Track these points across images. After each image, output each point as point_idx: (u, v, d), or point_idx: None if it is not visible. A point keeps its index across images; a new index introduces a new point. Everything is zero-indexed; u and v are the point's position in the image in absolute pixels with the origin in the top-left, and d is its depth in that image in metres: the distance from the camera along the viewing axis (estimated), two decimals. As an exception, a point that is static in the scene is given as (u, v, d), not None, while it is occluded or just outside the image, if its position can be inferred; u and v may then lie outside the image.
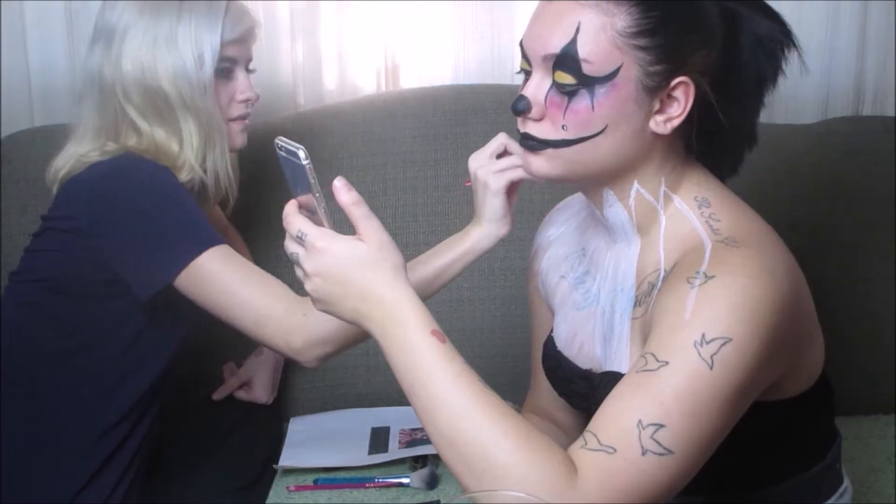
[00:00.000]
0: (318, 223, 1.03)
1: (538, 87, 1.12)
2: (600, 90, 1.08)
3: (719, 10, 1.12)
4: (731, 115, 1.12)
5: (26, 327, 1.54)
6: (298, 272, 1.04)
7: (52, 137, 1.66)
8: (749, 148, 1.20)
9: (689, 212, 1.14)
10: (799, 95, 2.11)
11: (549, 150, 1.12)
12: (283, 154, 1.03)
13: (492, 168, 1.30)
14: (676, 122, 1.11)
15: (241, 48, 1.58)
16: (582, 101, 1.09)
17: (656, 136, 1.12)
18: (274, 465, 1.69)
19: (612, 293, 1.19)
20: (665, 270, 1.12)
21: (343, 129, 1.95)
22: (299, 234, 1.02)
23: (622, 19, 1.07)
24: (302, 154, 0.99)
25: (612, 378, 1.05)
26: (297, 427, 1.83)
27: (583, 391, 1.23)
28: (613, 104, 1.09)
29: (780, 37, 1.15)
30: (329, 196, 1.01)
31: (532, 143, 1.13)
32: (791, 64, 1.16)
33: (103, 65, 1.52)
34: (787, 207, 1.84)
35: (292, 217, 1.03)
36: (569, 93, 1.09)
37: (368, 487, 1.63)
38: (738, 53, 1.13)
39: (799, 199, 1.90)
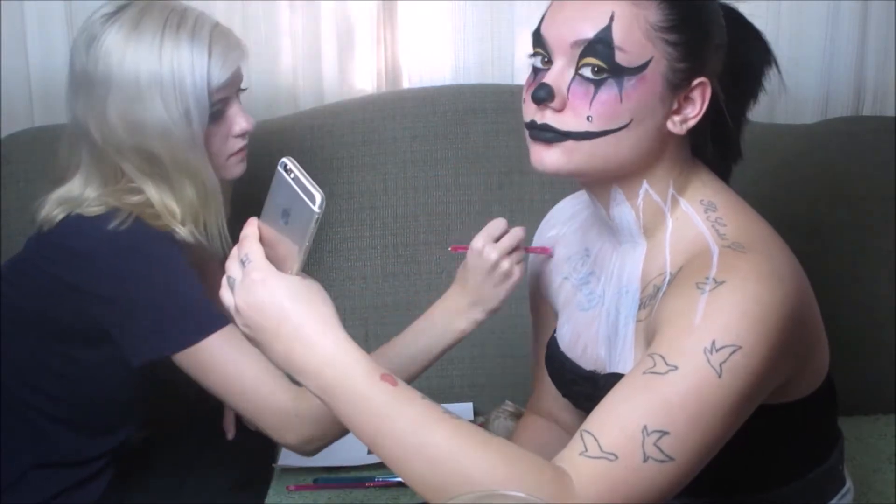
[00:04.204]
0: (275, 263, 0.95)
1: (560, 76, 1.09)
2: (629, 82, 1.07)
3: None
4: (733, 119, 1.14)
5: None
6: (228, 300, 0.98)
7: (52, 137, 1.65)
8: (734, 161, 1.22)
9: (696, 215, 1.13)
10: (799, 95, 2.11)
11: (569, 143, 1.08)
12: (288, 179, 0.94)
13: (514, 258, 1.30)
14: (692, 123, 1.11)
15: (231, 86, 1.45)
16: (609, 92, 1.07)
17: (669, 136, 1.12)
18: (273, 465, 1.69)
19: (617, 295, 1.19)
20: (671, 274, 1.11)
21: (343, 129, 1.95)
22: (244, 259, 0.96)
23: (654, 13, 1.07)
24: (318, 200, 0.91)
25: (617, 380, 1.04)
26: None
27: (587, 393, 1.22)
28: (641, 97, 1.07)
29: (764, 56, 1.18)
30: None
31: (550, 136, 1.09)
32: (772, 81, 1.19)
33: (88, 118, 1.42)
34: (787, 207, 1.84)
35: (250, 240, 0.97)
36: (595, 83, 1.07)
37: (368, 487, 1.63)
38: (732, 69, 1.15)
39: (799, 199, 1.90)
